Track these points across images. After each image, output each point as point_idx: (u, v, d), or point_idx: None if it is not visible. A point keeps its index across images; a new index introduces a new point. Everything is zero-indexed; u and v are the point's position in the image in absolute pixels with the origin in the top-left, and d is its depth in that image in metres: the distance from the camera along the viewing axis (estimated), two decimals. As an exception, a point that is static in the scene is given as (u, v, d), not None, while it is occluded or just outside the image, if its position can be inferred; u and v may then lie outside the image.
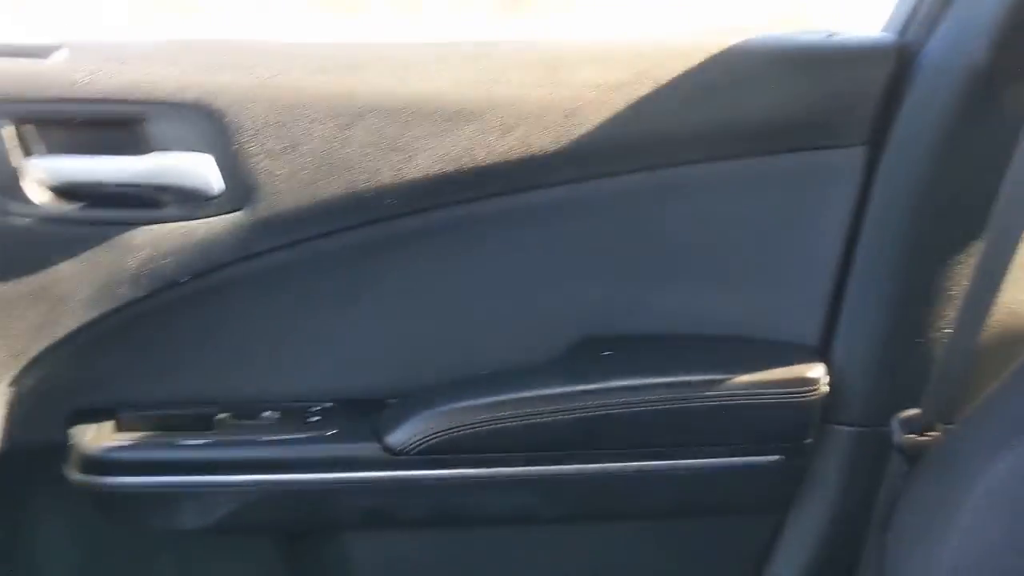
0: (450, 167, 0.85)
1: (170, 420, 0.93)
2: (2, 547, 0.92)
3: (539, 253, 0.94)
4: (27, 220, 0.81)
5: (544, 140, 0.86)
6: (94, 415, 0.92)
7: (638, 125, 0.88)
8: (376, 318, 0.95)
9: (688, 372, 0.92)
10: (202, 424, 0.93)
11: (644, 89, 0.87)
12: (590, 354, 0.94)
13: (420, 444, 0.90)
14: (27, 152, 0.81)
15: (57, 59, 0.83)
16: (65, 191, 0.82)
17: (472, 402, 0.91)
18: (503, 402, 0.90)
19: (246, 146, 0.82)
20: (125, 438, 0.90)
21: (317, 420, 0.93)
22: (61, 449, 0.90)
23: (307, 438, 0.91)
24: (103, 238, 0.83)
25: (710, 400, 0.90)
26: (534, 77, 0.87)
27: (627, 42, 0.94)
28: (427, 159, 0.85)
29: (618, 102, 0.86)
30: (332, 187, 0.84)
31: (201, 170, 0.82)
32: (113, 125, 0.82)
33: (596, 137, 0.87)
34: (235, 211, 0.84)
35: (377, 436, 0.90)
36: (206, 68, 0.83)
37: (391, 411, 0.93)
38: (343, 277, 0.93)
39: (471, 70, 0.87)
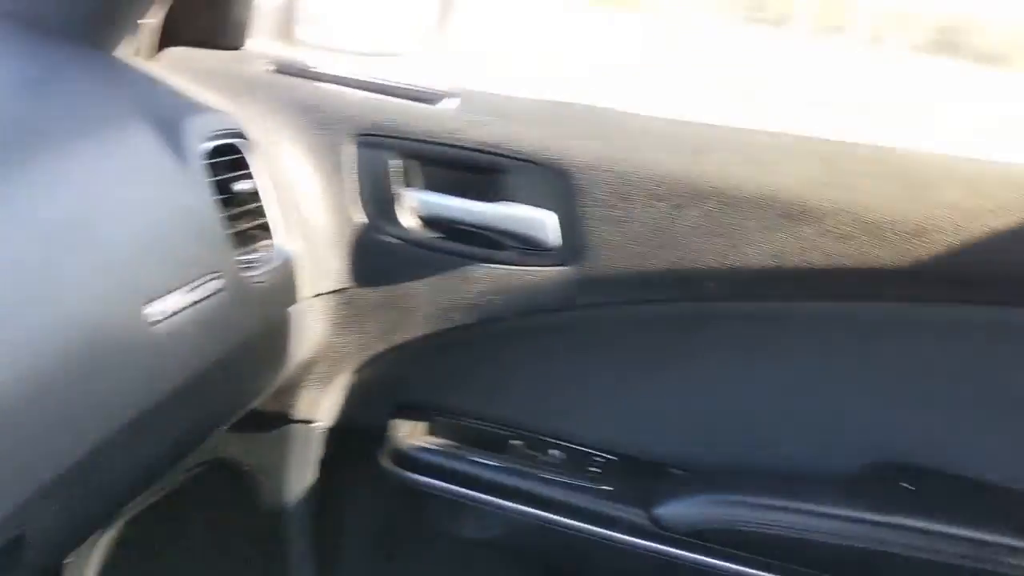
0: (779, 263, 0.85)
1: (473, 432, 1.03)
2: (312, 507, 1.07)
3: (853, 365, 0.91)
4: (395, 240, 0.94)
5: (884, 255, 0.82)
6: (410, 412, 1.05)
7: (989, 257, 0.81)
8: (674, 387, 0.98)
9: (991, 529, 0.84)
10: (497, 444, 1.02)
11: (1007, 220, 0.80)
12: (887, 482, 0.89)
13: (687, 526, 0.91)
14: (406, 184, 0.94)
15: (444, 106, 0.94)
16: (428, 221, 0.94)
17: (750, 499, 0.90)
18: (781, 507, 0.89)
19: (589, 210, 0.88)
20: (435, 442, 1.02)
21: (597, 472, 0.97)
22: (378, 436, 1.03)
23: (583, 488, 0.96)
24: (451, 267, 0.93)
25: (1012, 568, 0.82)
26: (888, 189, 0.84)
27: (998, 166, 0.87)
28: (756, 251, 0.85)
29: (974, 230, 0.81)
30: (658, 261, 0.88)
31: (544, 224, 0.90)
32: (478, 171, 0.92)
33: (941, 262, 0.81)
34: (566, 265, 0.90)
35: (648, 505, 0.93)
36: (569, 133, 0.90)
37: (667, 486, 0.95)
38: (651, 342, 0.97)
39: (820, 170, 0.86)
